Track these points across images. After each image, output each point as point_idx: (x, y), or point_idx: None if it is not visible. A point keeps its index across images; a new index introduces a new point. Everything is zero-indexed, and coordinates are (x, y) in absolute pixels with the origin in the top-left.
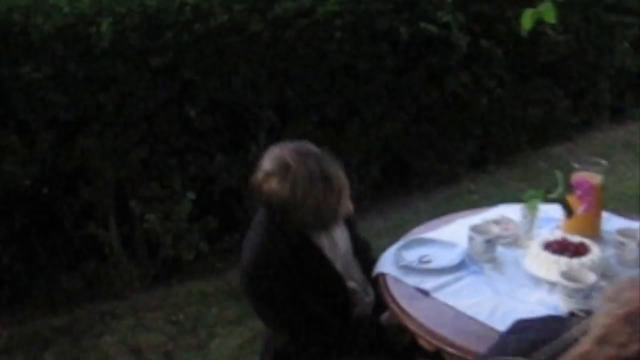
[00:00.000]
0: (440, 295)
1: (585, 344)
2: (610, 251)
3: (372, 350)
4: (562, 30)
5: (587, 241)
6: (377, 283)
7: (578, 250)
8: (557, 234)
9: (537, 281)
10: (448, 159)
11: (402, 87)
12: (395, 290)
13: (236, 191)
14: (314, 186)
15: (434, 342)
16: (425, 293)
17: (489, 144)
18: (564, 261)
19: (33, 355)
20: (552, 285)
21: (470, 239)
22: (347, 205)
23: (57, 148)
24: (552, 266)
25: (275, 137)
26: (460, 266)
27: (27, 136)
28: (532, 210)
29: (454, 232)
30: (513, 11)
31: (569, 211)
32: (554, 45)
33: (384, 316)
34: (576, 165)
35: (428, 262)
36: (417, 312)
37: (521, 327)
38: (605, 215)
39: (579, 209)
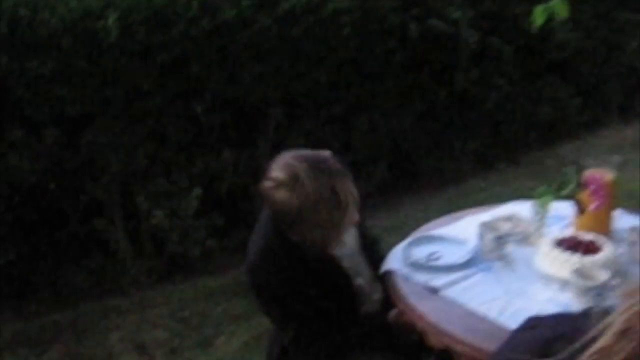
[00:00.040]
0: (449, 293)
1: (605, 339)
2: (622, 249)
3: (380, 347)
4: (572, 28)
5: (598, 239)
6: (385, 280)
7: (590, 248)
8: (569, 232)
9: (548, 279)
10: (456, 157)
11: (410, 84)
12: (403, 287)
13: (243, 188)
14: (321, 203)
15: (443, 340)
16: (434, 290)
17: (497, 141)
18: (575, 259)
19: (38, 351)
20: (564, 283)
21: (480, 235)
22: (354, 217)
23: (64, 143)
24: (563, 264)
25: (282, 133)
26: (469, 263)
27: (33, 131)
28: (543, 208)
29: (463, 229)
30: (522, 8)
31: (580, 208)
32: (563, 43)
33: (392, 313)
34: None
35: (437, 259)
36: (426, 309)
37: (533, 324)
38: (616, 212)
39: (591, 206)
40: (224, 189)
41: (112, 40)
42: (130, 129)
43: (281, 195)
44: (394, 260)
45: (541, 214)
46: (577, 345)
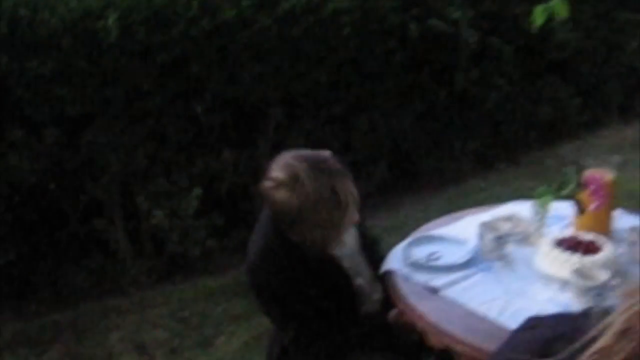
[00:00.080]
0: (449, 293)
1: (605, 339)
2: (622, 249)
3: (380, 347)
4: (572, 28)
5: (598, 239)
6: (385, 280)
7: (590, 248)
8: (568, 232)
9: (548, 279)
10: (456, 157)
11: (410, 84)
12: (403, 287)
13: (243, 188)
14: (321, 203)
15: (443, 340)
16: (434, 290)
17: (497, 141)
18: (576, 259)
19: (38, 351)
20: (564, 283)
21: (480, 235)
22: (354, 217)
23: (63, 143)
24: (563, 264)
25: (282, 133)
26: (469, 263)
27: (33, 131)
28: (543, 208)
29: (463, 229)
30: (522, 8)
31: (580, 208)
32: (563, 43)
33: (392, 313)
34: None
35: (437, 259)
36: (426, 309)
37: (533, 324)
38: (616, 213)
39: (591, 206)
40: (224, 189)
41: (112, 40)
42: (130, 129)
43: (281, 195)
44: (394, 260)
45: (541, 214)
46: (577, 345)
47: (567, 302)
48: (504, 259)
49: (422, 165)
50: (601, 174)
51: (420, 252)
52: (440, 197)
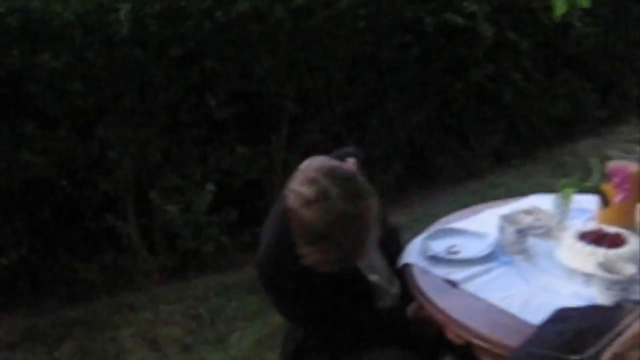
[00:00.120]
0: (469, 287)
1: (634, 331)
2: None
3: (397, 343)
4: (590, 22)
5: (623, 232)
6: (403, 274)
7: (614, 241)
8: (592, 225)
9: (571, 273)
10: (472, 153)
11: (426, 79)
12: (422, 281)
13: (257, 183)
14: (349, 224)
15: (464, 335)
16: (453, 284)
17: (514, 137)
18: (601, 252)
19: (51, 347)
20: (588, 277)
21: (501, 228)
22: (376, 238)
23: (76, 138)
24: (588, 257)
25: (297, 129)
26: (490, 257)
27: (45, 126)
28: (566, 200)
29: (483, 222)
30: (540, 1)
31: (604, 200)
32: (581, 38)
33: (411, 308)
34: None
35: (456, 252)
36: (446, 303)
37: (562, 316)
38: None
39: (616, 198)
40: (237, 185)
41: (125, 33)
42: (143, 123)
43: (309, 213)
44: (412, 253)
45: (563, 207)
46: (605, 338)
47: (591, 296)
48: (525, 252)
49: (438, 161)
50: (626, 165)
51: (439, 246)
52: (456, 194)
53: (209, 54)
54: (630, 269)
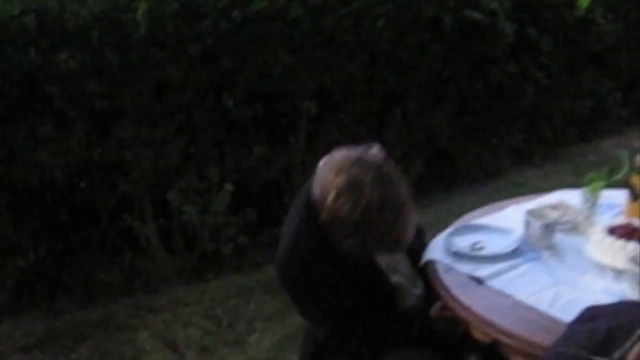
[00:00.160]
0: (495, 284)
1: None
2: None
3: (419, 343)
4: (612, 19)
5: None
6: (427, 271)
7: None
8: (621, 219)
9: (601, 268)
10: (493, 152)
11: (445, 78)
12: (447, 278)
13: (275, 184)
14: (383, 213)
15: (491, 332)
16: (479, 281)
17: (535, 136)
18: (632, 247)
19: (68, 349)
20: (619, 272)
21: (527, 223)
22: (414, 222)
23: (93, 138)
24: (618, 252)
25: (315, 129)
26: (516, 253)
27: (62, 126)
28: (594, 194)
29: (507, 218)
30: None
31: (634, 194)
32: (603, 35)
33: (435, 308)
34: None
35: (481, 248)
36: (472, 301)
37: (591, 314)
38: None
39: None
40: (256, 185)
41: (142, 32)
42: (160, 123)
43: (342, 204)
44: (435, 250)
45: (591, 202)
46: (635, 335)
47: (622, 292)
48: (552, 248)
49: (458, 160)
50: None
51: (463, 242)
52: (477, 193)
53: (226, 54)
54: None
